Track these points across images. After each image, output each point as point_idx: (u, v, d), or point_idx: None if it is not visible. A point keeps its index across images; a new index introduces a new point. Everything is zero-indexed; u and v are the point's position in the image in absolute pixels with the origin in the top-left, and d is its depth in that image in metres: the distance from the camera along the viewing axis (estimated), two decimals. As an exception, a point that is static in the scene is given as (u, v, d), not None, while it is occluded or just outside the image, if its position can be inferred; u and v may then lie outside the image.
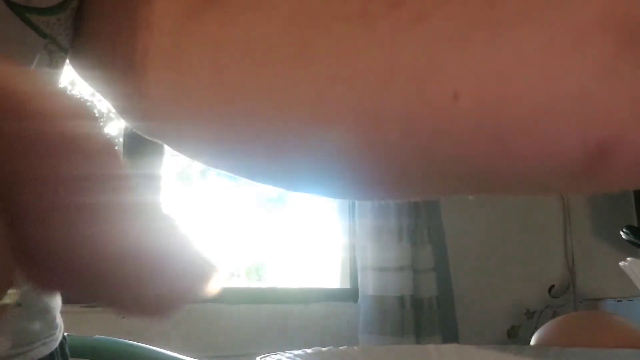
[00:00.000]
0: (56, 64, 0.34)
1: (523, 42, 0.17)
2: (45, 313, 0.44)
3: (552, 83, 0.17)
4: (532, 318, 2.20)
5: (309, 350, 0.30)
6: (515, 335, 2.16)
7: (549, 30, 0.17)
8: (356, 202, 2.05)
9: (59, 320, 0.47)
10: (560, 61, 0.17)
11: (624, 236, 0.53)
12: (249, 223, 2.04)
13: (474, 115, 0.18)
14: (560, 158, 0.18)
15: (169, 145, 0.29)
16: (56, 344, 0.45)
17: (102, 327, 1.57)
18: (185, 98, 0.25)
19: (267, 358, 0.29)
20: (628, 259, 0.41)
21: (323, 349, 0.32)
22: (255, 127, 0.23)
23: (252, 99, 0.23)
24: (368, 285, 1.98)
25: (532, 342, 0.43)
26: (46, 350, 0.44)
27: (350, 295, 2.08)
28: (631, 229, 0.53)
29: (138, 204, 0.18)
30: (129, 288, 0.18)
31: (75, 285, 0.18)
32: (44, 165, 0.15)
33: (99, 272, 0.17)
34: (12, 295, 0.15)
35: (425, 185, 0.23)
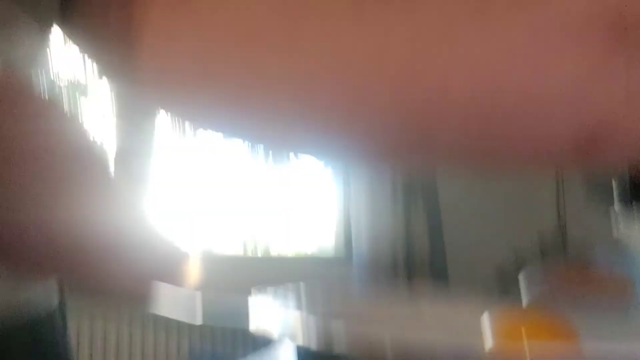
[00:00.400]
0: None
1: (514, 32, 0.18)
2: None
3: (544, 74, 0.17)
4: (521, 268, 2.24)
5: (302, 284, 0.31)
6: (504, 281, 2.21)
7: (540, 20, 0.17)
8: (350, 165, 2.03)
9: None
10: (552, 51, 0.17)
11: (615, 188, 0.54)
12: (244, 186, 2.01)
13: (465, 104, 0.18)
14: (553, 146, 0.19)
15: (160, 108, 0.29)
16: (55, 302, 0.46)
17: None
18: (175, 75, 0.25)
19: (262, 291, 0.30)
20: (619, 210, 0.42)
21: (318, 283, 0.32)
22: (245, 104, 0.23)
23: (242, 75, 0.23)
24: (362, 248, 2.00)
25: (523, 293, 0.44)
26: (44, 311, 0.44)
27: (345, 257, 2.10)
28: (625, 181, 0.54)
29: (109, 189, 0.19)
30: (99, 271, 0.19)
31: (50, 269, 0.18)
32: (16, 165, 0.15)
33: (70, 256, 0.18)
34: None
35: (414, 160, 0.24)
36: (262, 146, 0.27)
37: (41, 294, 0.44)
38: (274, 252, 2.04)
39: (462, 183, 2.23)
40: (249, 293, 0.32)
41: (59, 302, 0.47)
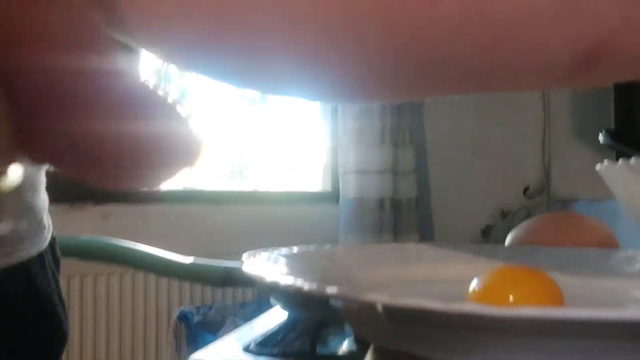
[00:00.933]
0: None
1: None
2: (30, 212, 0.44)
3: None
4: (506, 218, 2.28)
5: (294, 249, 0.31)
6: (489, 234, 2.25)
7: None
8: (339, 105, 2.03)
9: (47, 220, 0.47)
10: None
11: (602, 140, 0.54)
12: (232, 124, 2.03)
13: (454, 19, 0.18)
14: (547, 63, 0.18)
15: (140, 44, 0.28)
16: (45, 243, 0.46)
17: (89, 227, 1.60)
18: (153, 12, 0.24)
19: (254, 255, 0.30)
20: (604, 162, 0.43)
21: (308, 247, 0.33)
22: (226, 22, 0.22)
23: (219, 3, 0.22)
24: (349, 188, 2.02)
25: (507, 242, 0.45)
26: (35, 250, 0.44)
27: (332, 197, 2.13)
28: (610, 133, 0.54)
29: (127, 87, 0.19)
30: (122, 163, 0.19)
31: (71, 162, 0.19)
32: (42, 57, 0.16)
33: (93, 149, 0.18)
34: (12, 176, 0.17)
35: (406, 87, 0.23)
36: (246, 87, 0.26)
37: (32, 232, 0.44)
38: (261, 188, 2.06)
39: (448, 118, 2.23)
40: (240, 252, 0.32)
41: (50, 242, 0.47)
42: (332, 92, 0.26)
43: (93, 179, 0.20)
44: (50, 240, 0.47)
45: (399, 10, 0.18)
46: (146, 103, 0.19)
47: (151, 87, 0.21)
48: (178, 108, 0.22)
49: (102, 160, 0.19)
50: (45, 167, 0.45)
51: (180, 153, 0.21)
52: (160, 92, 0.22)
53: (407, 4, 0.18)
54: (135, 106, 0.19)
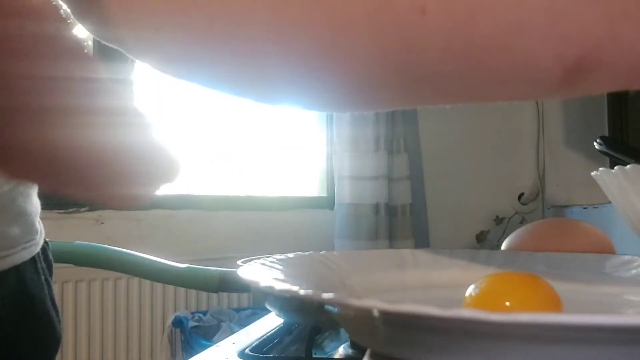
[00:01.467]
0: None
1: None
2: (22, 217, 0.44)
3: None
4: (500, 224, 2.28)
5: (290, 255, 0.31)
6: (483, 240, 2.25)
7: None
8: (334, 113, 2.04)
9: (39, 225, 0.47)
10: None
11: (597, 146, 0.54)
12: (227, 130, 2.03)
13: (442, 30, 0.18)
14: (535, 74, 0.18)
15: (133, 55, 0.28)
16: (37, 248, 0.46)
17: (82, 233, 1.59)
18: (146, 5, 0.24)
19: (249, 262, 0.30)
20: (600, 169, 0.43)
21: (304, 253, 0.33)
22: (218, 33, 0.22)
23: (213, 4, 0.22)
24: (344, 193, 2.02)
25: (503, 247, 0.45)
26: (27, 255, 0.44)
27: (327, 202, 2.13)
28: (604, 140, 0.54)
29: (109, 103, 0.18)
30: (99, 181, 0.19)
31: (49, 179, 0.18)
32: (12, 66, 0.15)
33: (70, 167, 0.18)
34: None
35: (396, 97, 0.23)
36: (238, 91, 0.27)
37: (25, 237, 0.44)
38: (256, 194, 2.05)
39: (443, 125, 2.24)
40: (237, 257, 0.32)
41: (42, 247, 0.47)
42: (323, 100, 0.26)
43: (72, 193, 0.20)
44: (42, 245, 0.47)
45: (387, 21, 0.19)
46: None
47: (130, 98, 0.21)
48: (153, 123, 0.23)
49: (78, 174, 0.19)
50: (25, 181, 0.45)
51: (159, 169, 0.21)
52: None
53: (396, 15, 0.18)
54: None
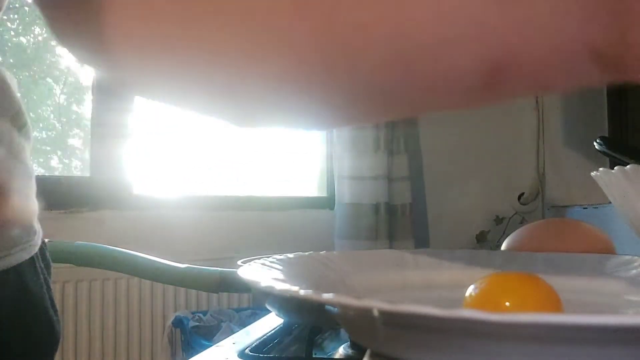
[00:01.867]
0: None
1: None
2: (21, 218, 0.44)
3: (452, 12, 0.19)
4: (500, 224, 2.28)
5: (290, 255, 0.31)
6: (483, 240, 2.25)
7: None
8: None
9: (37, 226, 0.47)
10: None
11: (597, 147, 0.54)
12: (227, 130, 2.03)
13: (380, 43, 0.20)
14: (461, 81, 0.21)
15: (136, 92, 0.31)
16: (35, 249, 0.46)
17: (82, 233, 1.59)
18: (150, 47, 0.26)
19: (249, 262, 0.30)
20: (600, 169, 0.43)
21: (304, 253, 0.33)
22: (209, 69, 0.24)
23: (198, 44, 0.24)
24: (344, 193, 2.02)
25: (502, 247, 0.45)
26: (25, 255, 0.44)
27: (327, 202, 2.13)
28: (604, 140, 0.54)
29: None
30: None
31: None
32: None
33: None
34: None
35: (358, 111, 0.25)
36: (232, 119, 0.31)
37: (24, 238, 0.44)
38: (256, 194, 2.05)
39: (443, 125, 2.24)
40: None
41: (40, 247, 0.47)
42: (299, 119, 0.28)
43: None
44: (40, 245, 0.47)
45: (331, 38, 0.21)
46: None
47: None
48: None
49: None
50: (34, 174, 0.45)
51: None
52: None
53: (343, 36, 0.21)
54: None
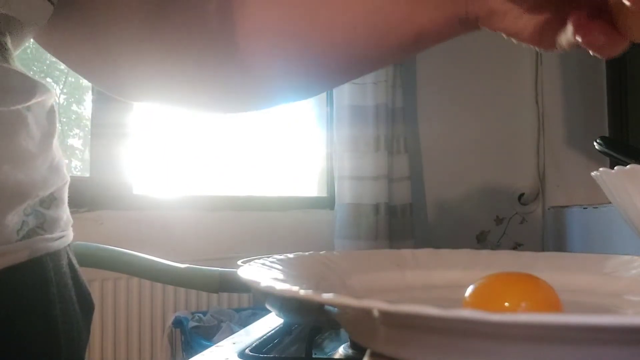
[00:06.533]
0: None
1: None
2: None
3: (383, 8, 0.37)
4: (500, 224, 2.28)
5: (290, 255, 0.31)
6: (483, 240, 2.25)
7: None
8: (334, 113, 2.04)
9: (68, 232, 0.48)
10: None
11: (597, 146, 0.54)
12: (228, 130, 2.03)
13: (350, 31, 0.37)
14: (398, 40, 0.37)
15: (137, 102, 0.46)
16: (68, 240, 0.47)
17: (82, 233, 1.59)
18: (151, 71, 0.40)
19: (249, 262, 0.30)
20: (600, 169, 0.43)
21: (304, 253, 0.33)
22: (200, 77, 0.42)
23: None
24: (344, 194, 2.02)
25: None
26: (63, 244, 0.46)
27: (327, 203, 2.13)
28: (604, 140, 0.54)
29: None
30: None
31: None
32: None
33: None
34: None
35: (352, 66, 0.41)
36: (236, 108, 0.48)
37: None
38: (256, 194, 2.05)
39: (443, 125, 2.24)
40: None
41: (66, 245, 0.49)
42: (308, 84, 0.41)
43: None
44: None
45: (314, 32, 0.38)
46: None
47: None
48: None
49: None
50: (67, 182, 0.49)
51: None
52: None
53: (318, 30, 0.38)
54: None
